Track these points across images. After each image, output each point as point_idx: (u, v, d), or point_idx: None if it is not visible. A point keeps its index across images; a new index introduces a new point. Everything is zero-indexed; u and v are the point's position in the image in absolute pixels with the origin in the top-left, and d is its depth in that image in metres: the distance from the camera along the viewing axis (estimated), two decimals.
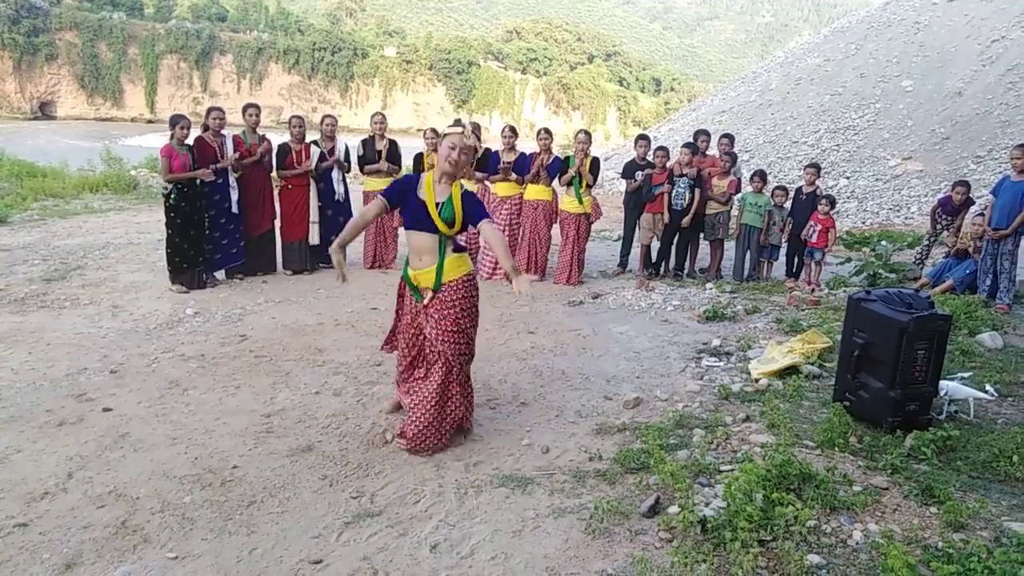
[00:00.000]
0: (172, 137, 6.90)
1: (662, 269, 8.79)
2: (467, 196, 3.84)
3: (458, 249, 3.93)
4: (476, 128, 8.61)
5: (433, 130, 8.36)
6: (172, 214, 6.98)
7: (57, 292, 6.89)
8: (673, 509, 3.09)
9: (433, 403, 3.85)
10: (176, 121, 6.95)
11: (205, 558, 2.88)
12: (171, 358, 5.30)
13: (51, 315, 6.25)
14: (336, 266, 3.83)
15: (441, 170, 3.78)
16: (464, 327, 3.93)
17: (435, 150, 8.14)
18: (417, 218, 3.79)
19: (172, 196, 6.92)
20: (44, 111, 58.08)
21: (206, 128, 7.29)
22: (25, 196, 11.93)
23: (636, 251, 8.94)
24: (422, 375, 4.04)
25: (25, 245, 8.66)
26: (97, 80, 60.18)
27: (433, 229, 3.78)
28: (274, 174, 7.95)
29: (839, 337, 5.10)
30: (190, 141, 7.07)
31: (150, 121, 58.18)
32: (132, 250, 8.71)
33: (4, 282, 7.08)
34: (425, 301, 3.88)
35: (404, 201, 3.85)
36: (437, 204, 3.76)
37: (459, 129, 3.80)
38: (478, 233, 8.41)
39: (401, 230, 8.39)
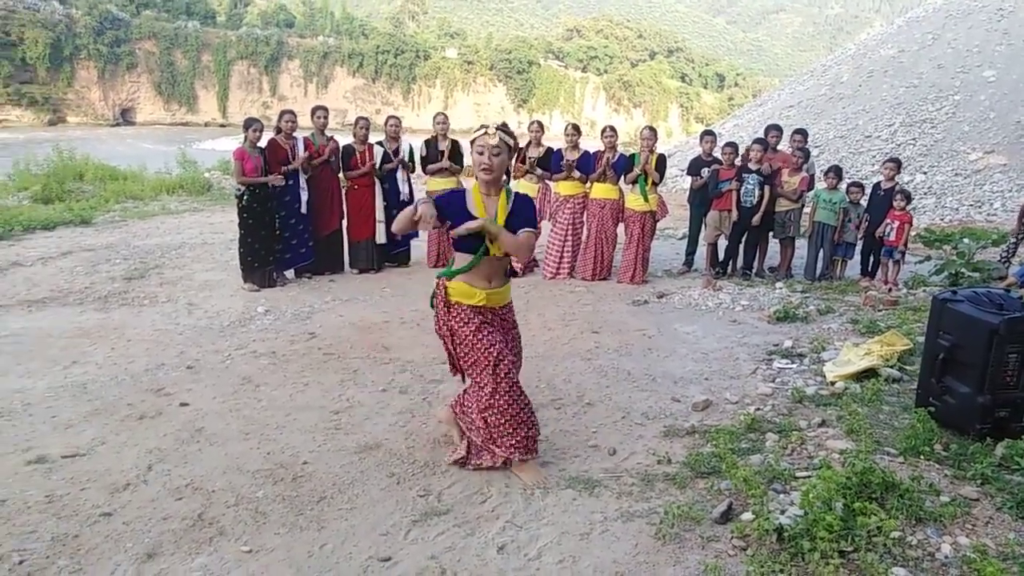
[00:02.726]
0: (245, 140, 7.11)
1: (729, 268, 8.58)
2: (517, 203, 3.53)
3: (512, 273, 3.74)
4: (540, 126, 8.62)
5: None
6: (244, 215, 7.19)
7: (137, 290, 7.18)
8: (747, 516, 2.99)
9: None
10: (250, 124, 7.16)
11: (278, 552, 2.94)
12: (244, 355, 5.45)
13: (132, 312, 6.52)
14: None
15: (481, 180, 3.48)
16: (520, 344, 3.79)
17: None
18: (474, 239, 3.41)
19: (244, 197, 7.12)
20: (125, 117, 60.77)
21: (279, 131, 7.48)
22: (107, 198, 12.52)
23: (702, 250, 8.76)
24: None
25: (108, 245, 9.06)
26: (173, 87, 62.66)
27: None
28: (341, 175, 8.10)
29: (920, 339, 4.89)
30: (262, 143, 7.27)
31: (222, 125, 60.16)
32: (206, 250, 9.01)
33: (89, 280, 7.42)
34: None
35: (452, 218, 3.42)
36: (492, 220, 3.42)
37: (480, 131, 3.45)
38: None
39: None
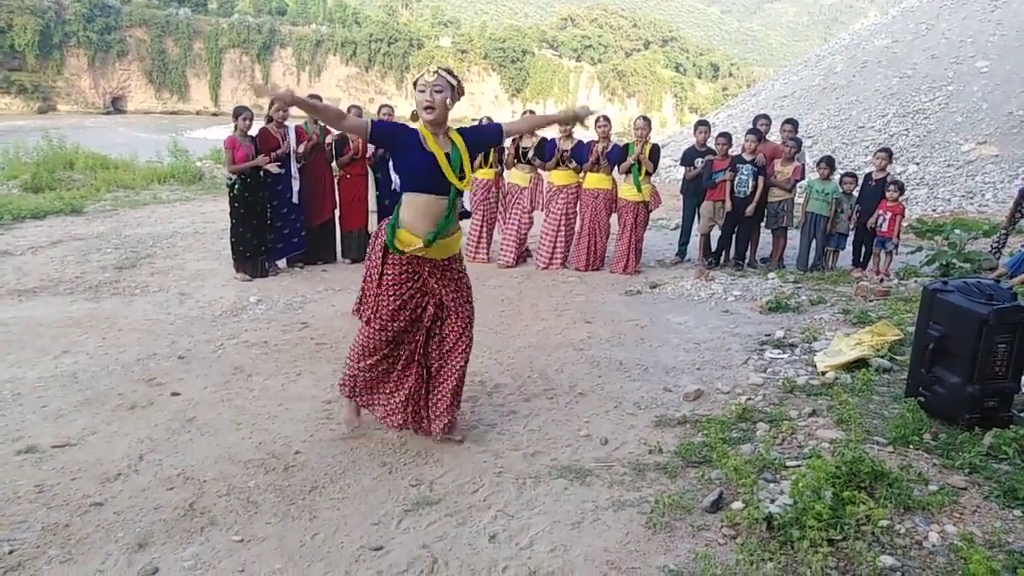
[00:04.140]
0: (235, 128, 7.06)
1: (722, 258, 8.59)
2: (469, 131, 3.63)
3: (462, 215, 3.84)
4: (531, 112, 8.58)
5: (488, 119, 8.34)
6: (236, 204, 7.15)
7: (128, 280, 7.14)
8: (737, 505, 3.01)
9: (462, 372, 3.78)
10: (239, 112, 7.10)
11: (269, 541, 2.94)
12: (235, 344, 5.43)
13: (123, 302, 6.49)
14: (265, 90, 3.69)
15: (425, 121, 3.43)
16: (470, 294, 3.81)
17: None
18: (427, 176, 3.42)
19: (236, 187, 7.08)
20: (116, 106, 60.22)
21: (270, 119, 7.43)
22: (99, 187, 12.42)
23: (695, 240, 8.77)
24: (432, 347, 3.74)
25: (99, 234, 9.01)
26: (164, 75, 62.13)
27: (444, 189, 3.46)
28: (334, 164, 8.06)
29: (911, 329, 4.91)
30: (253, 132, 7.22)
31: (214, 114, 59.65)
32: (198, 239, 8.97)
33: (80, 270, 7.38)
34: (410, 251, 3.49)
35: (399, 152, 3.46)
36: (447, 155, 3.43)
37: (421, 73, 3.45)
38: (529, 224, 8.37)
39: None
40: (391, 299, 3.55)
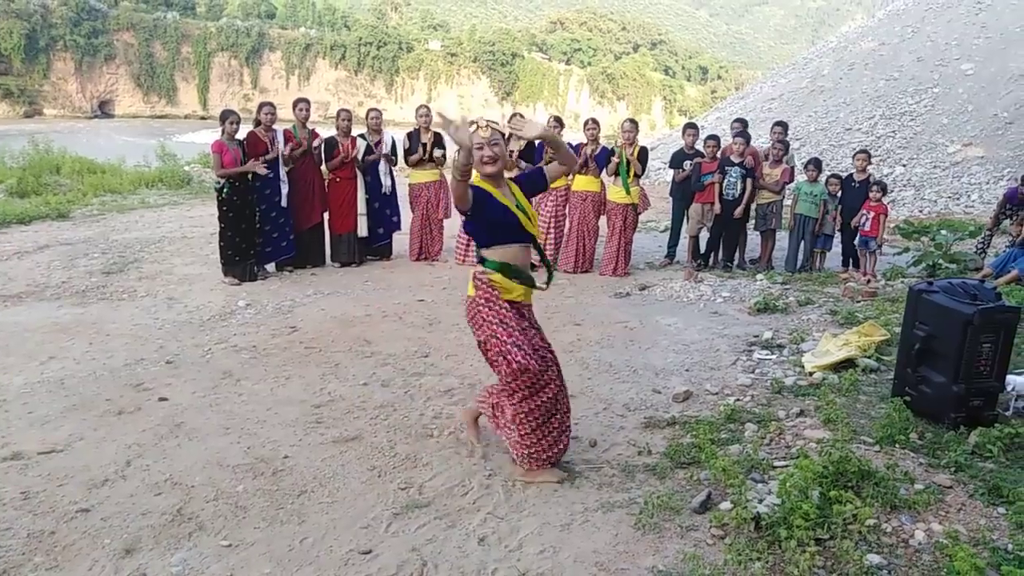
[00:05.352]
0: (223, 132, 7.04)
1: (711, 260, 8.63)
2: (521, 179, 3.60)
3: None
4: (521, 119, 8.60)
5: (485, 120, 8.32)
6: (224, 208, 7.12)
7: (116, 285, 7.10)
8: (725, 505, 3.02)
9: None
10: (226, 116, 7.08)
11: (258, 546, 2.93)
12: (224, 349, 5.41)
13: (110, 307, 6.45)
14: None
15: (486, 175, 3.39)
16: None
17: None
18: (511, 228, 3.38)
19: (224, 191, 7.06)
20: (103, 110, 59.97)
21: (258, 123, 7.41)
22: (86, 192, 12.33)
23: (684, 242, 8.80)
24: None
25: (86, 239, 8.95)
26: (152, 79, 61.94)
27: (527, 237, 3.45)
28: (323, 167, 8.04)
29: (897, 330, 4.94)
30: (241, 136, 7.19)
31: (203, 118, 59.49)
32: (186, 243, 8.93)
33: (67, 275, 7.33)
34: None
35: (482, 212, 3.32)
36: (517, 206, 3.40)
37: (472, 129, 3.26)
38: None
39: (446, 222, 8.46)
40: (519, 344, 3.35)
